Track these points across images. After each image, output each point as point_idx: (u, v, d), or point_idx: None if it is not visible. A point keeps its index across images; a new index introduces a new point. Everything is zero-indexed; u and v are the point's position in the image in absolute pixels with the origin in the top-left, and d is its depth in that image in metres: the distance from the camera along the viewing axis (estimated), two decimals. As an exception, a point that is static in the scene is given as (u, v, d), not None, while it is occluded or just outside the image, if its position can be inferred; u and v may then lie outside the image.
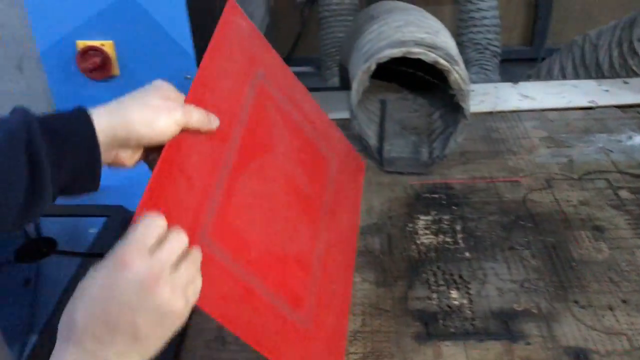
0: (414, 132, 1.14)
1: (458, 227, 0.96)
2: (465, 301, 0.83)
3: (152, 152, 0.61)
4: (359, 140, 1.09)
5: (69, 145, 0.54)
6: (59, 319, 0.48)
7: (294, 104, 0.79)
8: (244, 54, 0.71)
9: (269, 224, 0.69)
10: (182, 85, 0.85)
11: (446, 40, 1.06)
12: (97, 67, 1.10)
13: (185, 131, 0.60)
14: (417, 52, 0.97)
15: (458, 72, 0.99)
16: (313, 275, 0.73)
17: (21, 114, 0.54)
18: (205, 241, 0.58)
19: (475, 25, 2.16)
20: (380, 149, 1.07)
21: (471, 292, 0.84)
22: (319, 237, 0.77)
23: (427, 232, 0.96)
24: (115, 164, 0.60)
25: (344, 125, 1.03)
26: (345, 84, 1.25)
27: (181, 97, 0.61)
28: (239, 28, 0.72)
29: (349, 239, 0.86)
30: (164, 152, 0.57)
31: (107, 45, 1.09)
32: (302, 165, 0.78)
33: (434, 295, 0.84)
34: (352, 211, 0.89)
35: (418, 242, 0.94)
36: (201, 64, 0.65)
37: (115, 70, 1.09)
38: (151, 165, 0.62)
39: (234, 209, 0.64)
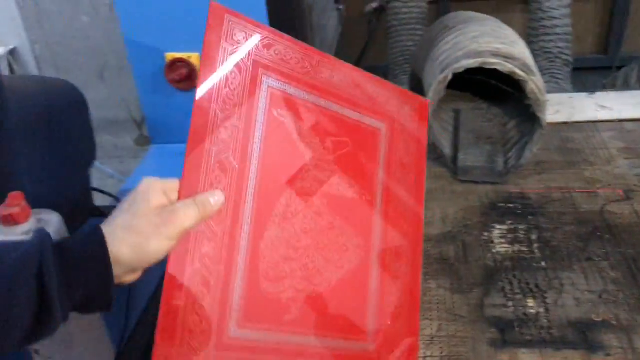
0: (488, 141, 1.15)
1: (534, 237, 0.97)
2: (541, 310, 0.83)
3: None
4: (433, 149, 1.11)
5: (82, 269, 0.54)
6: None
7: (316, 88, 0.71)
8: (241, 65, 0.65)
9: (311, 262, 0.68)
10: None
11: (522, 50, 1.07)
12: (183, 78, 1.16)
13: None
14: (494, 62, 0.98)
15: (535, 83, 0.99)
16: (371, 289, 0.72)
17: (37, 237, 0.54)
18: (233, 334, 0.60)
19: (546, 34, 2.13)
20: (454, 158, 1.09)
21: (548, 301, 0.84)
22: (373, 239, 0.73)
23: (503, 241, 0.96)
24: (120, 285, 0.59)
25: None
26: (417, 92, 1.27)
27: (175, 189, 0.60)
28: (228, 32, 0.65)
29: (412, 217, 0.79)
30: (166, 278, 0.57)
31: (193, 58, 1.16)
32: (339, 164, 0.72)
33: (510, 303, 0.85)
34: (416, 174, 0.80)
35: (494, 250, 0.95)
36: (193, 112, 0.62)
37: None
38: None
39: (264, 274, 0.64)
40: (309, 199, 0.68)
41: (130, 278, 0.58)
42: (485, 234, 0.98)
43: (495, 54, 0.99)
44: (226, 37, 0.64)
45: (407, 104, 0.79)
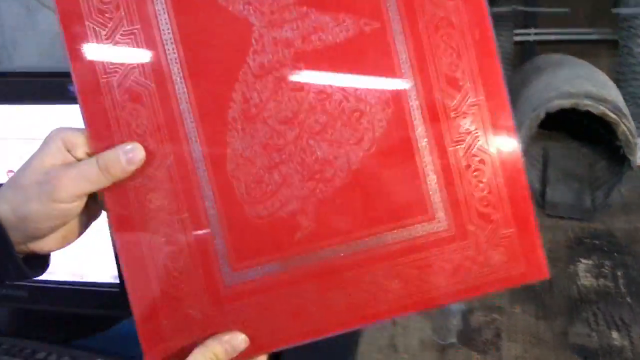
0: (576, 179, 1.19)
1: (619, 273, 1.00)
2: (626, 343, 0.86)
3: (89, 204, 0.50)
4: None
5: None
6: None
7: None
8: None
9: (308, 155, 0.50)
10: None
11: (614, 93, 1.11)
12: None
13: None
14: (587, 104, 1.03)
15: (626, 125, 1.03)
16: (421, 149, 0.50)
17: None
18: (229, 281, 0.50)
19: (635, 79, 2.13)
20: (542, 193, 1.13)
21: (632, 335, 0.87)
22: (404, 79, 0.50)
23: (588, 274, 1.00)
24: (37, 252, 0.50)
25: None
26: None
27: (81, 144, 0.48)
28: None
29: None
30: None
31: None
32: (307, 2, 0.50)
33: (594, 334, 0.88)
34: None
35: (578, 282, 0.98)
36: None
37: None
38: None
39: (245, 198, 0.50)
40: (275, 75, 0.50)
41: (43, 245, 0.49)
42: (571, 266, 1.02)
43: (588, 96, 1.04)
44: None
45: None
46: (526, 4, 2.22)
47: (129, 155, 0.47)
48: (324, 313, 0.50)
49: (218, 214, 0.49)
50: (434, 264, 0.50)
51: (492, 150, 0.51)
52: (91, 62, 0.47)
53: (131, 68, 0.48)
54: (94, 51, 0.48)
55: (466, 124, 0.50)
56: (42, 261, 0.52)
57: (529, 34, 2.28)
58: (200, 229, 0.49)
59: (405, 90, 0.50)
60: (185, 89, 0.48)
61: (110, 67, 0.48)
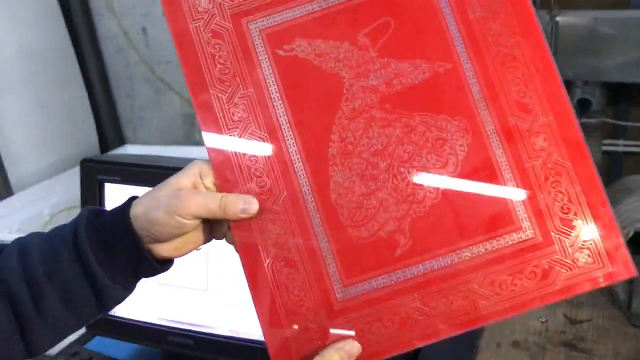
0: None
1: None
2: None
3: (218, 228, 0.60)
4: (607, 293, 1.20)
5: (109, 231, 0.57)
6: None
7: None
8: (220, 30, 0.60)
9: (400, 181, 0.58)
10: None
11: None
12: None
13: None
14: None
15: None
16: (501, 166, 0.57)
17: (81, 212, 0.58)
18: (341, 296, 0.57)
19: None
20: (629, 303, 1.16)
21: None
22: (478, 108, 0.58)
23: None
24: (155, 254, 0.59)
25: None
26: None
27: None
28: (190, 7, 0.60)
29: (527, 49, 0.59)
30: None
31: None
32: (387, 54, 0.59)
33: None
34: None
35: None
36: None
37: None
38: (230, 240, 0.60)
39: (349, 222, 0.57)
40: (365, 116, 0.58)
41: (162, 249, 0.58)
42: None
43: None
44: (192, 15, 0.59)
45: None
46: (616, 117, 2.28)
47: (246, 205, 0.56)
48: (428, 321, 0.55)
49: (327, 238, 0.57)
50: (525, 269, 0.56)
51: (566, 161, 0.58)
52: (216, 121, 0.58)
53: (248, 123, 0.58)
54: (218, 114, 0.58)
55: (539, 141, 0.58)
56: (162, 263, 0.60)
57: (617, 145, 2.32)
58: (313, 252, 0.56)
59: (481, 117, 0.58)
60: (292, 135, 0.58)
61: (231, 124, 0.58)
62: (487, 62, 0.58)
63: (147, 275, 0.60)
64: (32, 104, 2.15)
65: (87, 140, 2.20)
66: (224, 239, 0.60)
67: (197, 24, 0.58)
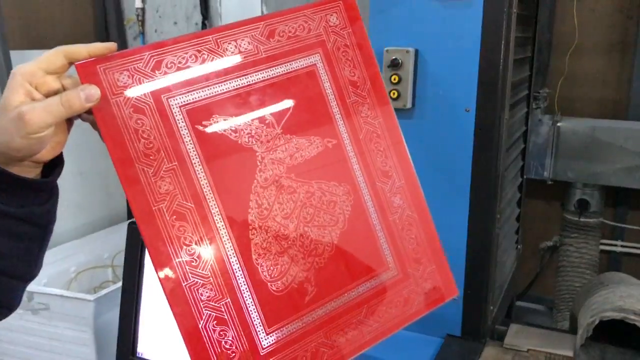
0: (632, 382, 1.28)
1: None
2: None
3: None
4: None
5: None
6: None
7: (229, 70, 0.66)
8: (141, 105, 0.62)
9: (306, 239, 0.68)
10: (461, 116, 1.06)
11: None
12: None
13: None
14: (634, 319, 1.18)
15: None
16: (374, 223, 0.72)
17: None
18: (266, 342, 0.64)
19: None
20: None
21: None
22: (356, 176, 0.72)
23: None
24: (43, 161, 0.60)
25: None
26: (573, 330, 1.46)
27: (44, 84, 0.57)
28: (110, 83, 0.61)
29: (386, 126, 0.74)
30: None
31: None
32: (289, 131, 0.69)
33: None
34: (370, 79, 0.74)
35: None
36: None
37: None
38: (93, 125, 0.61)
39: (268, 278, 0.65)
40: (276, 185, 0.66)
41: (39, 159, 0.59)
42: None
43: (637, 313, 1.19)
44: (112, 90, 0.60)
45: (331, 13, 0.72)
46: (614, 219, 2.38)
47: (87, 93, 0.57)
48: (332, 351, 0.68)
49: (251, 294, 0.64)
50: (393, 299, 0.72)
51: (415, 215, 0.75)
52: (144, 195, 0.60)
53: (174, 195, 0.61)
54: (145, 188, 0.60)
55: (397, 200, 0.74)
56: (55, 164, 0.62)
57: (615, 245, 2.39)
58: (240, 309, 0.63)
59: (359, 183, 0.72)
60: (216, 205, 0.63)
61: (159, 197, 0.61)
62: (360, 138, 0.72)
63: (34, 187, 0.60)
64: (72, 169, 2.35)
65: (116, 206, 2.37)
66: (90, 124, 0.62)
67: (118, 99, 0.60)
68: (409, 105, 1.28)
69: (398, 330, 0.71)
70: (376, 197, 0.72)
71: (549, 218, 2.50)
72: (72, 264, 2.18)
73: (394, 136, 0.74)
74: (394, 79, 1.26)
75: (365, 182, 0.72)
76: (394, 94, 1.26)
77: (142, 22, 2.57)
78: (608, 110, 2.32)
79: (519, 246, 1.92)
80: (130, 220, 1.16)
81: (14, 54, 2.14)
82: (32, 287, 1.83)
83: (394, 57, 1.26)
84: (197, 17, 2.48)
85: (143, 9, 2.55)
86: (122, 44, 2.63)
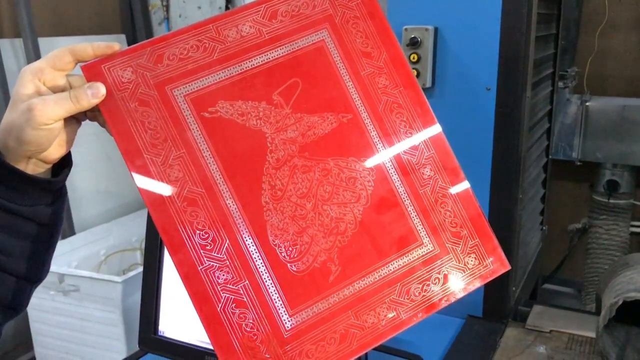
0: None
1: None
2: None
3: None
4: (600, 357, 1.27)
5: None
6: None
7: (231, 56, 0.66)
8: (146, 98, 0.63)
9: (325, 217, 0.66)
10: (481, 95, 1.01)
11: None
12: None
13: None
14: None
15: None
16: (402, 195, 0.68)
17: None
18: (289, 325, 0.62)
19: None
20: (620, 368, 1.22)
21: None
22: (378, 150, 0.69)
23: None
24: (50, 161, 0.61)
25: (591, 342, 1.24)
26: (599, 312, 1.44)
27: (53, 79, 0.59)
28: (115, 81, 0.62)
29: (409, 97, 0.71)
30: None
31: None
32: (299, 109, 0.67)
33: None
34: (386, 50, 0.71)
35: None
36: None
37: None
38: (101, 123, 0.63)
39: (287, 258, 0.64)
40: (289, 165, 0.66)
41: (46, 158, 0.60)
42: None
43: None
44: (117, 87, 0.62)
45: None
46: (644, 199, 2.32)
47: (93, 90, 0.59)
48: (362, 333, 0.64)
49: (270, 276, 0.63)
50: (430, 277, 0.68)
51: (450, 185, 0.70)
52: (154, 184, 0.61)
53: (184, 181, 0.62)
54: (155, 177, 0.61)
55: (427, 171, 0.70)
56: (64, 165, 0.63)
57: (645, 226, 2.34)
58: (260, 290, 0.62)
59: (381, 156, 0.69)
60: (227, 188, 0.63)
61: (169, 184, 0.61)
62: (379, 110, 0.69)
63: (44, 187, 0.61)
64: (99, 154, 2.39)
65: (145, 190, 2.41)
66: (97, 122, 0.64)
67: (123, 95, 0.62)
68: (428, 84, 1.27)
69: (440, 309, 0.66)
70: (402, 170, 0.69)
71: (578, 200, 2.46)
72: (102, 247, 2.23)
73: (418, 104, 0.70)
74: (413, 58, 1.25)
75: (388, 155, 0.69)
76: (413, 73, 1.24)
77: (167, 8, 2.60)
78: (639, 89, 2.26)
79: (544, 227, 1.89)
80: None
81: (42, 42, 2.19)
82: (63, 269, 1.89)
83: (413, 36, 1.24)
84: (221, 1, 2.49)
85: (167, -6, 2.57)
86: (148, 30, 2.67)
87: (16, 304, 0.63)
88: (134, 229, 2.37)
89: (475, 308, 1.37)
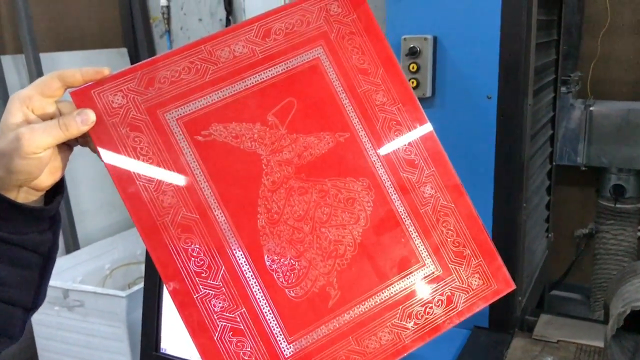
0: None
1: None
2: None
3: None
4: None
5: None
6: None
7: (224, 77, 0.64)
8: (138, 123, 0.61)
9: (323, 240, 0.64)
10: (482, 104, 0.99)
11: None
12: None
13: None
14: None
15: None
16: (402, 216, 0.66)
17: None
18: (288, 352, 0.60)
19: None
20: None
21: None
22: (376, 169, 0.67)
23: None
24: (41, 190, 0.60)
25: (599, 352, 1.22)
26: (607, 320, 1.42)
27: (41, 107, 0.58)
28: (105, 106, 0.61)
29: (407, 111, 0.69)
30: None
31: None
32: (295, 129, 0.65)
33: None
34: (383, 65, 0.69)
35: None
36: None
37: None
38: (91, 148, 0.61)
39: (285, 284, 0.62)
40: (285, 187, 0.64)
41: (36, 186, 0.59)
42: None
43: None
44: (107, 112, 0.60)
45: (331, 2, 0.69)
46: (651, 204, 2.30)
47: (83, 117, 0.58)
48: (365, 359, 0.62)
49: (267, 302, 0.60)
50: (433, 299, 0.65)
51: (452, 204, 0.68)
52: (147, 211, 0.59)
53: (178, 207, 0.60)
54: (148, 204, 0.60)
55: (428, 190, 0.67)
56: (57, 192, 0.62)
57: (652, 230, 2.31)
58: (257, 317, 0.60)
59: (379, 176, 0.66)
60: (222, 213, 0.61)
61: (162, 210, 0.60)
62: (377, 128, 0.67)
63: (36, 216, 0.60)
64: (103, 168, 2.39)
65: (149, 203, 2.40)
66: (88, 148, 0.62)
67: (113, 120, 0.60)
68: (428, 93, 1.26)
69: (444, 331, 0.64)
70: (402, 190, 0.67)
71: (584, 205, 2.43)
72: (106, 261, 2.23)
73: (417, 120, 0.68)
74: (413, 68, 1.24)
75: (387, 174, 0.67)
76: (413, 82, 1.24)
77: (168, 20, 2.60)
78: (643, 92, 2.24)
79: (549, 235, 1.88)
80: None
81: (43, 57, 2.20)
82: (67, 284, 1.88)
83: (412, 45, 1.24)
84: (222, 13, 2.49)
85: (168, 7, 2.57)
86: (149, 43, 2.67)
87: (11, 332, 0.62)
88: (139, 242, 2.36)
89: (481, 319, 1.35)
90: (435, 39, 1.24)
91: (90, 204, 2.41)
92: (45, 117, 0.59)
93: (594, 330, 1.38)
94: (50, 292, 1.78)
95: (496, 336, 1.32)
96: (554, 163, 1.81)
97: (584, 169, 2.17)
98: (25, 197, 0.60)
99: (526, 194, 1.33)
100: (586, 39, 2.26)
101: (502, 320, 1.34)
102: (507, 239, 1.29)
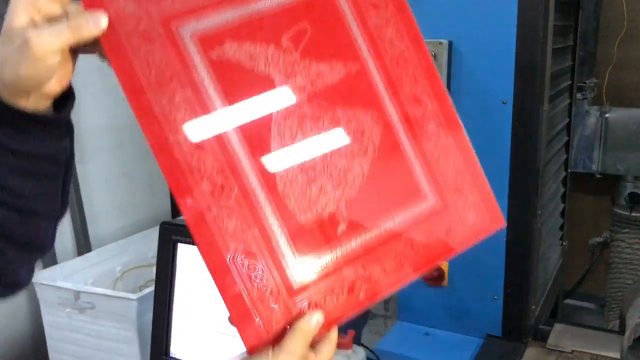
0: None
1: None
2: None
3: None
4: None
5: None
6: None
7: None
8: (151, 36, 0.59)
9: (333, 168, 0.63)
10: (497, 109, 1.00)
11: None
12: (434, 278, 1.40)
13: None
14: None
15: None
16: (408, 150, 0.66)
17: None
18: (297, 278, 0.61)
19: None
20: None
21: None
22: (384, 103, 0.66)
23: None
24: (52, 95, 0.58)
25: None
26: (623, 330, 1.40)
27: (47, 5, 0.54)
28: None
29: (414, 50, 0.68)
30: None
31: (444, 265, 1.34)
32: (308, 55, 0.65)
33: None
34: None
35: None
36: None
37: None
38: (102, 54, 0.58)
39: (297, 208, 0.62)
40: (298, 112, 0.63)
41: (46, 90, 0.57)
42: None
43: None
44: (119, 20, 0.58)
45: None
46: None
47: (95, 21, 0.54)
48: (369, 284, 0.63)
49: (279, 225, 0.60)
50: (433, 230, 0.66)
51: (452, 142, 0.67)
52: (159, 125, 0.58)
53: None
54: (160, 117, 0.58)
55: (431, 127, 0.67)
56: (66, 100, 0.60)
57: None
58: (269, 240, 0.60)
59: (387, 109, 0.66)
60: (236, 135, 0.60)
61: (175, 127, 0.58)
62: (386, 62, 0.67)
63: (46, 124, 0.59)
64: (115, 170, 2.40)
65: (162, 206, 2.41)
66: (97, 54, 0.59)
67: (125, 29, 0.58)
68: (443, 99, 1.25)
69: (439, 263, 0.66)
70: (407, 124, 0.67)
71: (599, 213, 2.41)
72: (117, 264, 2.22)
73: (423, 59, 0.68)
74: (427, 73, 1.23)
75: (395, 108, 0.66)
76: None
77: None
78: (661, 99, 2.21)
79: (564, 242, 1.85)
80: (163, 221, 1.18)
81: None
82: (78, 286, 1.89)
83: (426, 51, 1.23)
84: None
85: None
86: None
87: (43, 244, 0.63)
88: (150, 244, 2.36)
89: (494, 327, 1.34)
90: (450, 44, 1.23)
91: (102, 206, 2.42)
92: (52, 20, 0.55)
93: (609, 340, 1.36)
94: (61, 294, 1.77)
95: (509, 345, 1.31)
96: (569, 170, 1.79)
97: (599, 176, 2.14)
98: (35, 104, 0.57)
99: (541, 201, 1.32)
100: (602, 45, 2.24)
101: (515, 328, 1.32)
102: (521, 246, 1.27)
